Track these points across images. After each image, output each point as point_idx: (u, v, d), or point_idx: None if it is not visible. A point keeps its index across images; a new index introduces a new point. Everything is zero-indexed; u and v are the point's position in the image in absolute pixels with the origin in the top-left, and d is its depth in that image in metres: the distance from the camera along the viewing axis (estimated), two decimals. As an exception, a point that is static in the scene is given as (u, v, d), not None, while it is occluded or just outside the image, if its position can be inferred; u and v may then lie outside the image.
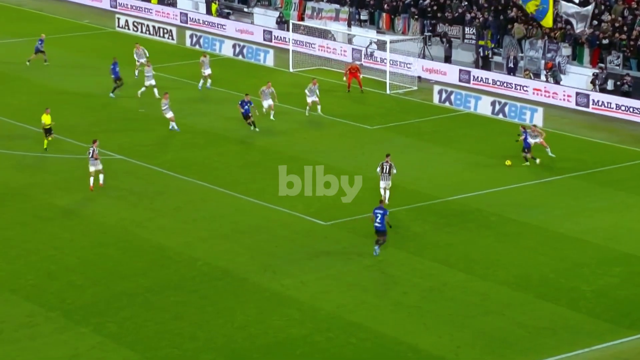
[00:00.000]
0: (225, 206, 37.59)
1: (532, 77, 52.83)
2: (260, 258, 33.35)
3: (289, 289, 31.28)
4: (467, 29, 57.07)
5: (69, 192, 38.66)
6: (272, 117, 47.39)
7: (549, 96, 51.24)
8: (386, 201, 36.30)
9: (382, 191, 37.20)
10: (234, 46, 60.12)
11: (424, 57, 56.60)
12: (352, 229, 35.70)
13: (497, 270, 32.69)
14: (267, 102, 47.52)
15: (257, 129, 45.75)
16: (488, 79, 53.16)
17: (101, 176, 38.52)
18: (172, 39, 63.03)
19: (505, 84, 52.53)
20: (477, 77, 53.44)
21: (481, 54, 55.79)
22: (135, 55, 53.87)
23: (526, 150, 41.64)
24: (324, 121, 48.11)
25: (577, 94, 50.50)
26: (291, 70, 56.56)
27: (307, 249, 34.07)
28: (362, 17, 61.58)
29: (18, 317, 29.36)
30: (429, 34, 58.26)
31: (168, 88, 48.68)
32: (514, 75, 53.38)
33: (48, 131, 42.65)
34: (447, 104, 50.93)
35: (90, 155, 38.22)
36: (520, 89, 52.02)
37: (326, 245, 34.41)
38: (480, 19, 56.48)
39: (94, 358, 27.30)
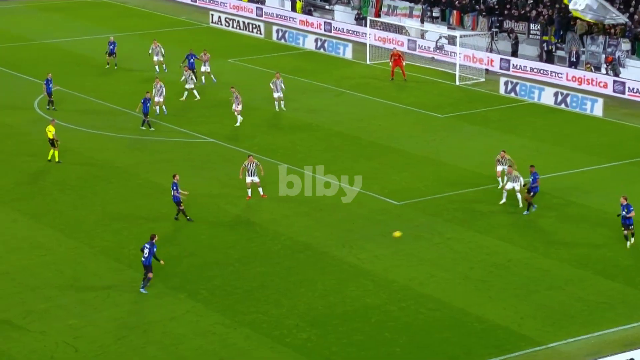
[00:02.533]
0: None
1: (593, 70, 51.89)
2: (339, 234, 33.37)
3: (364, 262, 31.27)
4: (532, 25, 56.39)
5: (167, 172, 39.09)
6: (283, 108, 46.27)
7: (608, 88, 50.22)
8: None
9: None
10: (316, 40, 60.12)
11: (491, 51, 55.96)
12: (422, 209, 35.51)
13: (559, 248, 32.25)
14: (277, 94, 46.25)
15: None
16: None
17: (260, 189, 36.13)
18: (260, 33, 63.27)
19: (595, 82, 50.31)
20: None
21: (545, 49, 54.97)
22: (150, 51, 52.85)
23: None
24: (396, 109, 47.88)
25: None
26: (368, 62, 56.36)
27: (381, 227, 33.99)
28: (434, 14, 61.18)
29: (122, 283, 29.87)
30: (496, 29, 57.68)
31: (255, 79, 48.82)
32: (576, 68, 52.47)
33: (52, 143, 39.32)
34: (512, 94, 50.28)
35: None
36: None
37: (399, 223, 34.29)
38: (545, 16, 55.67)
39: (188, 321, 27.65)
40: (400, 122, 46.16)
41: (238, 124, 44.64)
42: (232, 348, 26.26)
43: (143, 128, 43.86)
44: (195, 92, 48.37)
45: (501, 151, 37.03)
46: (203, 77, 50.37)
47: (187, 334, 26.93)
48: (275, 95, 46.42)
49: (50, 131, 39.64)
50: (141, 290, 28.91)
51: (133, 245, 32.30)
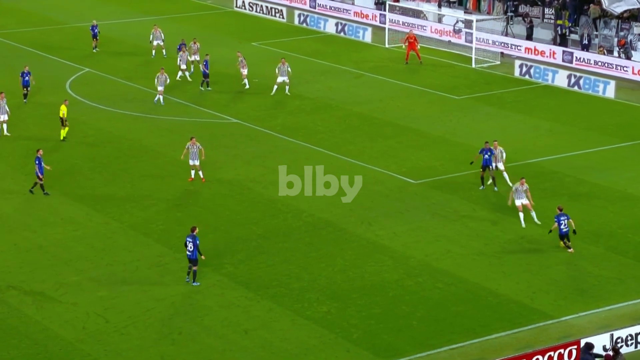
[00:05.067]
0: (327, 165, 37.55)
1: (606, 53, 51.40)
2: (358, 211, 33.31)
3: (382, 238, 31.21)
4: (546, 10, 55.89)
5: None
6: (287, 92, 45.83)
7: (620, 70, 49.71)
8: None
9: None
10: (336, 24, 59.85)
11: (506, 35, 55.53)
12: (438, 187, 35.38)
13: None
14: (282, 78, 45.77)
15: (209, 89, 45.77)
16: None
17: (200, 173, 35.51)
18: (283, 17, 63.04)
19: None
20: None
21: (559, 32, 54.49)
22: (151, 37, 52.53)
23: (566, 240, 30.27)
24: (414, 91, 47.66)
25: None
26: (387, 46, 56.08)
27: (399, 204, 33.90)
28: (451, -1, 60.81)
29: (150, 257, 29.98)
30: (512, 14, 57.22)
31: (277, 62, 48.65)
32: (588, 51, 51.96)
33: (62, 122, 39.40)
34: (527, 76, 49.93)
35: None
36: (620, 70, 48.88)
37: (416, 201, 34.20)
38: (559, 0, 55.12)
39: (214, 294, 27.72)
40: (417, 103, 45.94)
41: (247, 87, 45.96)
42: (255, 320, 26.33)
43: (202, 88, 46.32)
44: (187, 74, 47.93)
45: (494, 141, 35.06)
46: (192, 66, 48.94)
47: (212, 306, 27.02)
48: (280, 79, 45.89)
49: (62, 110, 39.77)
50: (194, 283, 27.81)
51: (161, 221, 32.40)
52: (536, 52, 52.61)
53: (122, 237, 31.38)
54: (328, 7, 62.72)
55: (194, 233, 28.08)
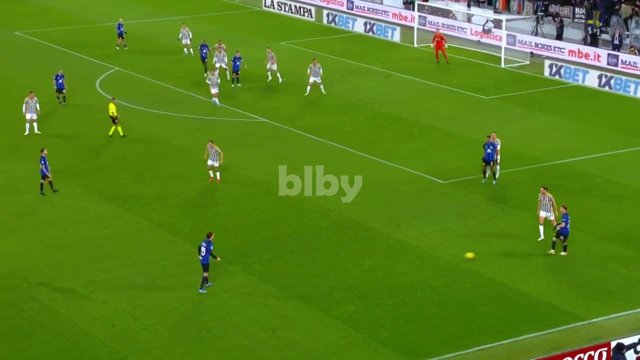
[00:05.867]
0: (355, 165, 37.57)
1: (637, 53, 50.94)
2: (386, 211, 33.24)
3: (410, 238, 31.13)
4: (577, 9, 55.47)
5: (223, 150, 39.14)
6: (323, 92, 45.78)
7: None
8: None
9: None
10: (365, 24, 59.78)
11: (536, 34, 55.20)
12: (466, 187, 35.23)
13: (601, 226, 31.81)
14: (314, 79, 45.59)
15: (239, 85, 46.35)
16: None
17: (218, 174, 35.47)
18: (311, 17, 63.07)
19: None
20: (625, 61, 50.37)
21: (590, 32, 54.07)
22: (180, 35, 52.81)
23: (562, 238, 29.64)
24: (442, 91, 47.50)
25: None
26: (415, 45, 55.93)
27: (427, 205, 33.79)
28: (480, -1, 60.54)
29: (178, 255, 30.08)
30: (542, 13, 56.84)
31: (305, 61, 48.69)
32: (619, 51, 51.52)
33: (113, 120, 40.06)
34: (557, 77, 49.61)
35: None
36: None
37: (444, 201, 34.07)
38: (590, 0, 54.70)
39: (242, 293, 27.77)
40: (445, 103, 45.77)
41: (280, 81, 46.60)
42: (283, 319, 26.35)
43: (233, 85, 46.74)
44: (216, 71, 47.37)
45: (492, 133, 35.21)
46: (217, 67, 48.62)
47: (240, 305, 27.07)
48: (311, 80, 45.95)
49: (111, 109, 40.27)
50: (199, 290, 27.42)
51: (189, 220, 32.52)
52: (580, 55, 51.67)
53: (150, 235, 31.51)
54: (365, 8, 62.07)
55: (210, 239, 27.60)
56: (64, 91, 44.48)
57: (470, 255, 29.44)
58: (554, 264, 29.34)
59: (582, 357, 23.42)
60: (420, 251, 30.21)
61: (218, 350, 24.86)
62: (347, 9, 63.21)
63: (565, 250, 29.60)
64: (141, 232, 31.78)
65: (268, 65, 47.67)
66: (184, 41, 53.00)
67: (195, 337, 25.48)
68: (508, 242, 30.79)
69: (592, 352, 23.51)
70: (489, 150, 34.64)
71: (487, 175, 35.19)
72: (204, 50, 49.14)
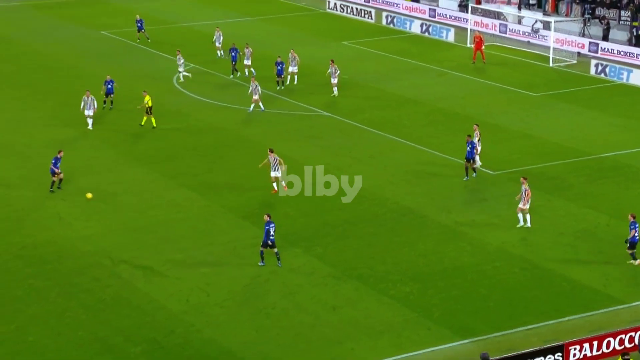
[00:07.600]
0: (410, 156, 37.69)
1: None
2: (438, 199, 33.34)
3: (461, 225, 31.20)
4: (622, 12, 54.70)
5: (286, 142, 39.60)
6: (335, 89, 45.16)
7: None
8: None
9: None
10: (421, 25, 59.71)
11: (583, 36, 54.57)
12: (515, 179, 35.04)
13: (643, 217, 31.46)
14: (334, 80, 45.01)
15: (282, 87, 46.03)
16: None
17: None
18: (371, 18, 63.17)
19: None
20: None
21: (635, 34, 53.30)
22: (214, 38, 52.83)
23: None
24: (494, 88, 47.28)
25: None
26: (469, 45, 55.70)
27: (477, 194, 33.80)
28: (531, 2, 59.99)
29: (247, 238, 30.51)
30: (589, 15, 56.18)
31: (365, 59, 48.72)
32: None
33: (148, 110, 40.36)
34: (602, 75, 49.04)
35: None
36: None
37: (494, 191, 34.04)
38: (636, 2, 53.91)
39: (304, 273, 28.12)
40: (496, 100, 45.58)
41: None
42: (343, 298, 26.67)
43: (279, 88, 46.13)
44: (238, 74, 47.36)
45: (474, 124, 35.28)
46: (246, 70, 48.52)
47: (303, 284, 27.46)
48: (334, 81, 45.22)
49: (146, 99, 40.54)
50: (278, 264, 28.07)
51: (256, 206, 32.97)
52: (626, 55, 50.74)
53: (221, 219, 32.02)
54: (448, 16, 61.35)
55: (270, 220, 27.95)
56: (111, 96, 43.76)
57: (89, 195, 31.10)
58: (597, 251, 29.18)
59: (623, 338, 23.35)
60: (470, 237, 30.27)
61: (282, 326, 25.28)
62: (430, 16, 61.83)
63: (634, 259, 27.92)
64: (213, 216, 32.30)
65: (290, 69, 46.44)
66: (217, 44, 53.22)
67: (261, 313, 25.94)
68: (554, 230, 30.69)
69: (632, 334, 23.42)
70: (468, 148, 34.28)
71: (468, 172, 34.53)
72: (233, 54, 49.00)
